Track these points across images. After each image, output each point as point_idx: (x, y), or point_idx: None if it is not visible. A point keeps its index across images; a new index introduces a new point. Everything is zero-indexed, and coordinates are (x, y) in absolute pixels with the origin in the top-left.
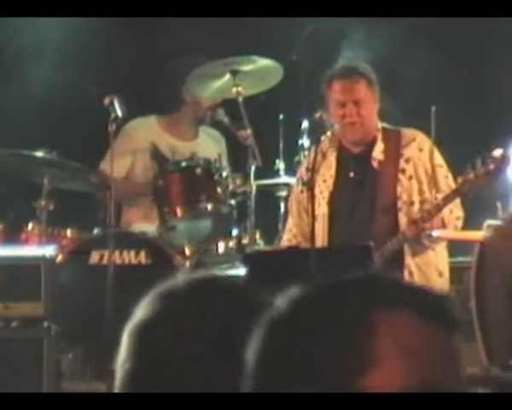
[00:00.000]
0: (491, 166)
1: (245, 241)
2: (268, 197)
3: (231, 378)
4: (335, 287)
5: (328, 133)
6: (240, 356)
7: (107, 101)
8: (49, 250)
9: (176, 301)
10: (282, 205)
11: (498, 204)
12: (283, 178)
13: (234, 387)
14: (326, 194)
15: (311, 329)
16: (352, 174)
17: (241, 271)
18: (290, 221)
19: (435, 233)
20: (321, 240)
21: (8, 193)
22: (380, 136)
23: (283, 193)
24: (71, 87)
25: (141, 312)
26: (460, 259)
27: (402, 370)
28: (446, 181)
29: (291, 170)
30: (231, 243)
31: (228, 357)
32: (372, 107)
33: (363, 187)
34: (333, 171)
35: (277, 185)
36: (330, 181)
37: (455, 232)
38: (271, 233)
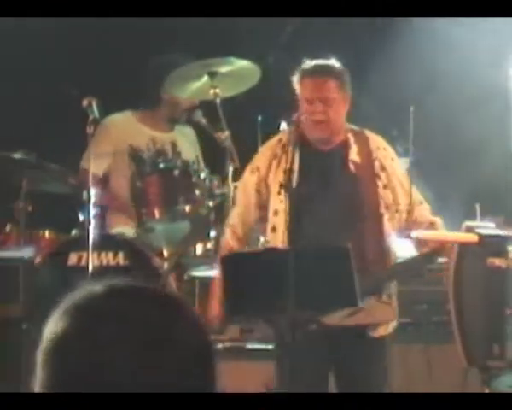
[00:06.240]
0: None
1: None
2: None
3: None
4: None
5: (285, 127)
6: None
7: (85, 103)
8: (27, 252)
9: (93, 310)
10: None
11: (477, 206)
12: None
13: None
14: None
15: None
16: (320, 172)
17: (218, 272)
18: (236, 210)
19: (414, 234)
20: (281, 236)
21: None
22: (351, 137)
23: None
24: (49, 88)
25: (54, 327)
26: (438, 260)
27: None
28: (413, 191)
29: None
30: (209, 245)
31: (151, 361)
32: (340, 107)
33: (336, 188)
34: (296, 166)
35: None
36: (292, 176)
37: (433, 233)
38: None
